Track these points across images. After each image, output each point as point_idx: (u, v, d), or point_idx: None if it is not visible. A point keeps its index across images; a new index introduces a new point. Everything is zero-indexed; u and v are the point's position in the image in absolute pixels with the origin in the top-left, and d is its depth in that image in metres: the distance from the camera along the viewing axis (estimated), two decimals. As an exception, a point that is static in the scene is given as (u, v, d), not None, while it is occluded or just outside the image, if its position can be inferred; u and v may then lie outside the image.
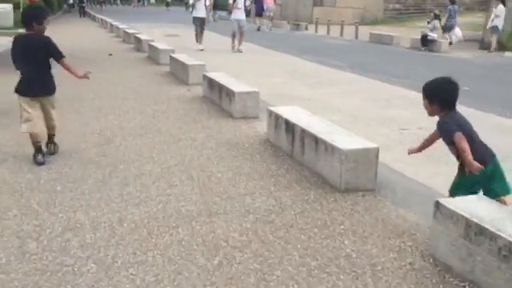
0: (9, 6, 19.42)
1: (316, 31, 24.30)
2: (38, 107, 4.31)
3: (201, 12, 13.94)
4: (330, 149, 3.79)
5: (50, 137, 4.50)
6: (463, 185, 3.04)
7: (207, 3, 14.27)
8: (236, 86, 6.26)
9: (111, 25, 20.33)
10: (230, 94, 6.10)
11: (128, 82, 8.45)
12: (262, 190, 3.74)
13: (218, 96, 6.58)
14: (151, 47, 11.43)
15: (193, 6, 14.45)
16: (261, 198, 3.59)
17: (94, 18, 30.91)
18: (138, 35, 13.82)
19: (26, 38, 4.36)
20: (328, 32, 23.19)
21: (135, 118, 5.92)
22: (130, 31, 15.47)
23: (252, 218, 3.26)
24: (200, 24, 13.96)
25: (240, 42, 13.81)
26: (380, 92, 8.40)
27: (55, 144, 4.54)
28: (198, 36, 14.14)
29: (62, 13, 36.52)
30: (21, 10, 14.09)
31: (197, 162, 4.39)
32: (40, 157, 4.21)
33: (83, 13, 35.08)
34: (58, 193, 3.60)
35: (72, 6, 40.44)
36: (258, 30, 25.96)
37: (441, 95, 3.03)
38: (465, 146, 2.89)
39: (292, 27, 26.92)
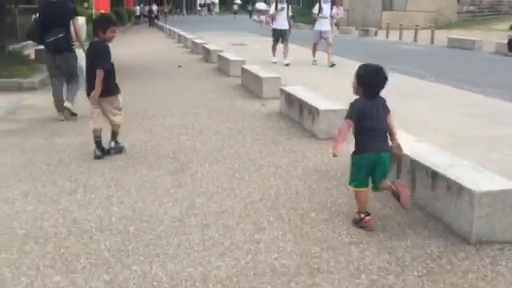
0: (82, 19, 19.92)
1: (387, 37, 23.19)
2: (99, 106, 4.72)
3: (282, 24, 12.31)
4: (456, 188, 3.05)
5: (114, 134, 4.88)
6: (352, 163, 3.27)
7: (290, 14, 12.75)
8: (319, 102, 5.61)
9: (179, 35, 20.37)
10: (312, 111, 5.47)
11: (199, 95, 8.05)
12: (369, 238, 3.07)
13: (297, 113, 5.97)
14: (221, 58, 11.05)
15: (272, 17, 12.68)
16: (370, 250, 2.92)
17: (161, 28, 31.48)
18: (206, 45, 13.55)
19: (90, 44, 4.91)
20: (400, 37, 22.02)
21: (210, 138, 5.43)
22: (198, 41, 15.27)
23: (366, 281, 2.60)
24: (281, 37, 12.33)
25: (329, 55, 12.19)
26: (477, 106, 7.45)
27: (118, 142, 4.89)
28: (275, 49, 12.58)
29: (132, 24, 37.59)
30: (93, 22, 14.33)
31: (284, 196, 3.79)
32: (98, 151, 4.69)
33: (153, 23, 36.04)
34: (132, 235, 3.11)
35: (139, 17, 41.60)
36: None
37: (366, 80, 3.17)
38: (342, 130, 3.17)
39: (360, 33, 25.91)
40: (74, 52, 6.27)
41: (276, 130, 5.81)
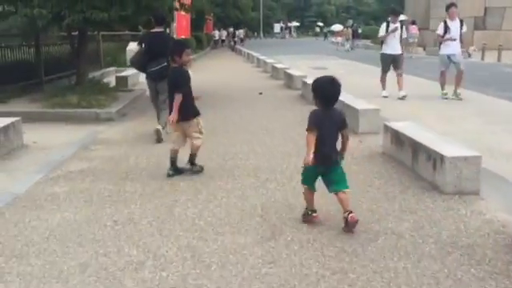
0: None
1: (482, 58, 21.20)
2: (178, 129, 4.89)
3: (394, 47, 10.22)
4: None
5: (192, 156, 4.99)
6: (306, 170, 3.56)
7: (404, 34, 10.57)
8: (443, 145, 4.48)
9: (258, 59, 19.84)
10: (434, 157, 4.36)
11: (284, 128, 7.17)
12: None
13: (409, 157, 4.88)
14: (305, 85, 10.15)
15: (382, 41, 10.49)
16: None
17: (239, 52, 31.40)
18: (288, 71, 12.75)
19: (170, 71, 5.20)
20: (499, 59, 19.99)
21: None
22: (279, 66, 14.54)
23: None
24: (393, 63, 10.33)
25: (458, 84, 9.94)
26: None
27: (195, 164, 4.99)
28: (385, 79, 10.62)
29: (210, 48, 38.05)
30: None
31: (415, 282, 2.73)
32: (171, 170, 4.86)
33: (234, 47, 36.59)
34: None
35: (217, 42, 42.09)
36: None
37: (320, 92, 3.46)
38: (309, 142, 3.40)
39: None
40: None
41: (383, 177, 4.75)
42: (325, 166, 3.45)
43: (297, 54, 27.75)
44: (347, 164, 5.19)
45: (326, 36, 60.43)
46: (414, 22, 27.05)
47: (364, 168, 5.10)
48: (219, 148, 5.99)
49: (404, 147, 5.03)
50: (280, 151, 5.86)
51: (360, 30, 41.99)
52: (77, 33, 9.73)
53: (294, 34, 72.92)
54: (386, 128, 5.55)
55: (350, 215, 3.36)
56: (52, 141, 6.57)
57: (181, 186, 4.58)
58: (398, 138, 5.20)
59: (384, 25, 10.42)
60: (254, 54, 22.58)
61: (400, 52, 10.34)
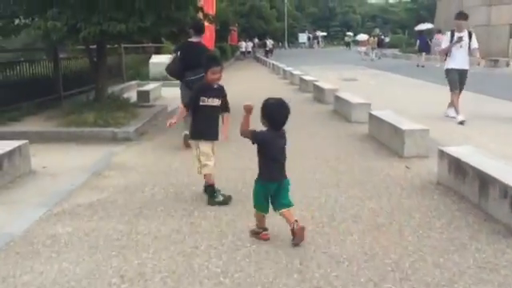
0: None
1: (522, 68, 20.03)
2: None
3: (462, 61, 8.44)
4: None
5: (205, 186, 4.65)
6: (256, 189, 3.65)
7: (473, 45, 8.46)
8: (519, 180, 3.67)
9: (284, 70, 19.15)
10: (511, 193, 3.55)
11: (319, 151, 6.41)
12: None
13: (474, 190, 4.07)
14: (338, 100, 9.40)
15: (446, 55, 8.63)
16: None
17: (264, 63, 30.81)
18: (317, 83, 12.00)
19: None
20: (540, 68, 18.83)
21: (349, 230, 3.73)
22: (307, 78, 13.80)
23: None
24: (461, 79, 8.51)
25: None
26: None
27: (215, 196, 4.47)
28: (456, 100, 8.53)
29: (235, 59, 37.59)
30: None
31: None
32: (220, 196, 4.44)
33: (268, 56, 36.57)
34: None
35: (244, 53, 41.59)
36: (418, 66, 23.40)
37: (271, 114, 3.52)
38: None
39: (487, 64, 22.84)
40: None
41: (444, 216, 3.95)
42: (278, 181, 3.57)
43: (323, 65, 26.97)
44: (396, 197, 4.44)
45: (348, 45, 60.32)
46: (439, 31, 26.19)
47: (418, 203, 4.31)
48: (246, 174, 5.28)
49: (467, 178, 4.23)
50: (315, 180, 5.11)
51: (388, 39, 41.04)
52: (95, 46, 9.21)
53: (322, 44, 73.78)
54: (442, 154, 4.74)
55: (298, 225, 3.47)
56: (63, 165, 5.99)
57: (202, 227, 3.89)
58: (458, 166, 4.40)
59: (448, 34, 8.76)
60: (280, 64, 21.91)
61: (467, 67, 8.56)
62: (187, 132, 6.49)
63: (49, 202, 4.57)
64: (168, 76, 7.34)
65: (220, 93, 4.59)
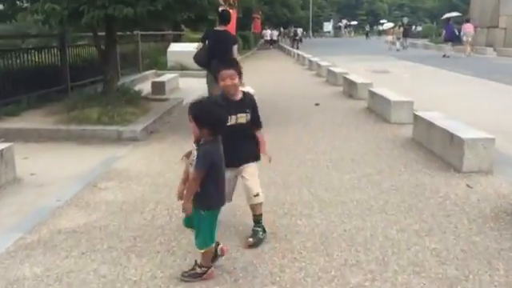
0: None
1: None
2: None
3: None
4: None
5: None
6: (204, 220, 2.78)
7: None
8: None
9: (310, 61, 18.02)
10: None
11: (356, 159, 5.39)
12: None
13: None
14: (374, 96, 8.30)
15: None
16: None
17: (288, 53, 29.64)
18: (348, 76, 10.88)
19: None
20: None
21: (408, 283, 2.73)
22: (337, 70, 12.67)
23: None
24: None
25: None
26: None
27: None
28: None
29: (257, 48, 36.47)
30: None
31: None
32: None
33: (296, 45, 34.95)
34: None
35: (268, 42, 40.19)
36: (444, 56, 22.31)
37: (209, 119, 2.68)
38: (193, 185, 2.69)
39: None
40: None
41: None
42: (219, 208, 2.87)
43: (350, 55, 25.65)
44: (464, 232, 3.38)
45: (367, 35, 59.66)
46: (468, 20, 24.85)
47: (496, 243, 3.27)
48: (270, 191, 4.31)
49: None
50: (356, 202, 4.10)
51: (420, 28, 39.40)
52: (104, 33, 8.31)
53: (352, 33, 73.26)
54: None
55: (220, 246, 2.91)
56: (55, 172, 5.12)
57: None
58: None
59: None
60: (306, 55, 20.75)
61: None
62: None
63: (24, 226, 3.69)
64: (194, 63, 7.22)
65: (247, 104, 3.31)
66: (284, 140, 6.36)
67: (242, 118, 3.27)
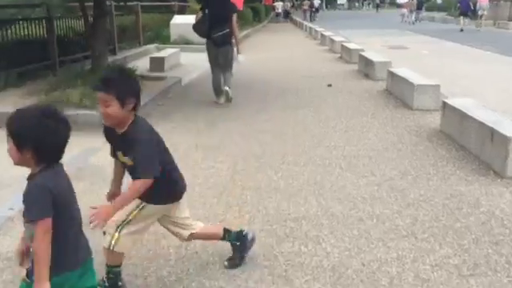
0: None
1: None
2: None
3: None
4: None
5: None
6: None
7: None
8: None
9: (322, 35, 16.95)
10: None
11: (374, 156, 4.53)
12: None
13: None
14: (394, 77, 7.36)
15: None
16: None
17: (299, 26, 28.43)
18: (364, 54, 9.90)
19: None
20: None
21: None
22: (351, 46, 11.67)
23: None
24: None
25: None
26: None
27: None
28: None
29: (268, 21, 35.18)
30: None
31: None
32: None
33: (313, 18, 33.95)
34: None
35: (279, 14, 38.61)
36: (462, 30, 21.24)
37: (37, 137, 1.70)
38: (43, 252, 1.67)
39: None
40: (232, 45, 6.74)
41: None
42: (83, 262, 1.84)
43: (364, 29, 24.44)
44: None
45: (377, 7, 58.42)
46: None
47: None
48: (270, 200, 3.51)
49: None
50: (376, 217, 3.28)
51: (440, 1, 37.80)
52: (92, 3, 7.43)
53: (370, 6, 72.26)
54: None
55: None
56: (17, 168, 4.33)
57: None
58: None
59: None
60: (318, 28, 19.63)
61: None
62: (228, 87, 6.76)
63: (-42, 246, 2.94)
64: (196, 35, 6.94)
65: (127, 145, 2.24)
66: (290, 130, 5.52)
67: (124, 159, 2.29)
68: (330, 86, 8.27)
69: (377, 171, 4.16)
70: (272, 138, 5.21)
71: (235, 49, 6.82)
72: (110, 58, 10.83)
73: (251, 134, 5.42)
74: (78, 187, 3.71)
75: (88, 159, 4.65)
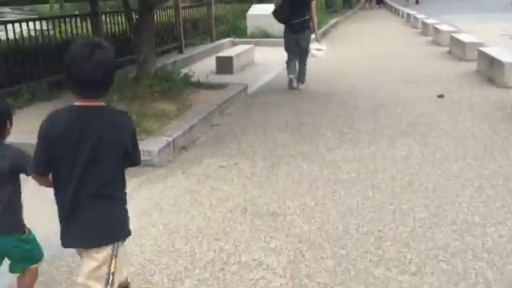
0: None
1: None
2: None
3: None
4: None
5: None
6: None
7: None
8: None
9: (424, 23, 14.43)
10: None
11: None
12: None
13: None
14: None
15: None
16: None
17: (394, 11, 25.57)
18: (487, 51, 7.52)
19: None
20: None
21: None
22: (465, 39, 9.24)
23: None
24: None
25: None
26: None
27: None
28: None
29: (359, 8, 32.39)
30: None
31: None
32: None
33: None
34: None
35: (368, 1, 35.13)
36: None
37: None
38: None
39: None
40: (310, 30, 6.79)
41: None
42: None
43: (472, 13, 21.08)
44: None
45: None
46: None
47: None
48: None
49: None
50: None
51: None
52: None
53: None
54: None
55: None
56: None
57: None
58: None
59: None
60: (418, 15, 16.99)
61: None
62: (300, 86, 6.85)
63: None
64: (275, 27, 7.49)
65: None
66: (386, 180, 3.66)
67: None
68: (441, 96, 6.19)
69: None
70: (360, 198, 3.40)
71: (312, 36, 6.89)
72: (175, 57, 9.55)
73: (326, 187, 3.65)
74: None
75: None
